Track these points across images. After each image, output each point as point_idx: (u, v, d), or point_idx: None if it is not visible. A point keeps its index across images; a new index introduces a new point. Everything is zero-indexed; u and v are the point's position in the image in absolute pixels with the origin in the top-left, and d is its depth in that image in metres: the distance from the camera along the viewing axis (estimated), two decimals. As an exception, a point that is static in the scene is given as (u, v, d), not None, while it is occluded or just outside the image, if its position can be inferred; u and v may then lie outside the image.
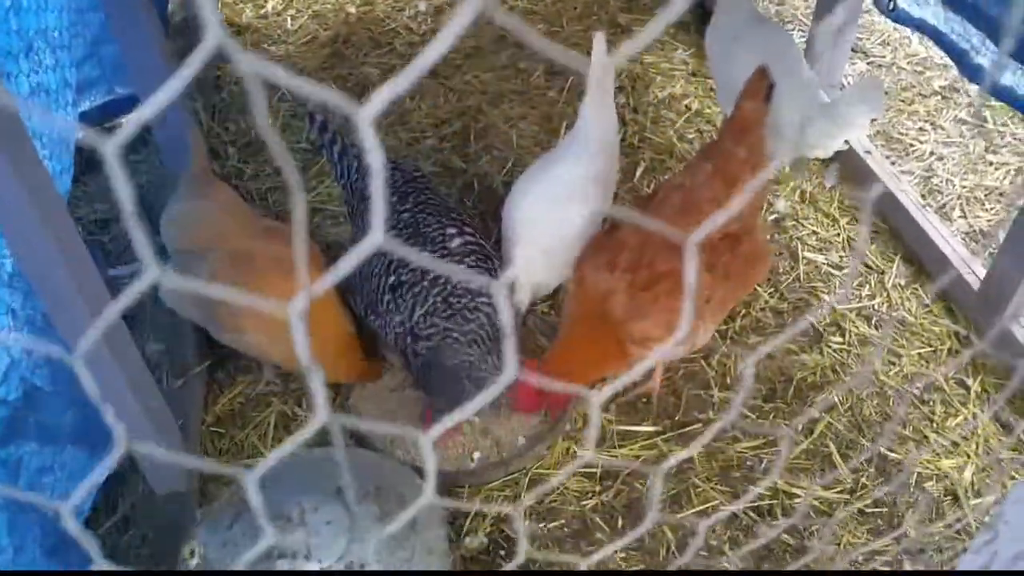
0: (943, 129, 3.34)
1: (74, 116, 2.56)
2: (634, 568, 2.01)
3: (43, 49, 2.11)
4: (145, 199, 2.79)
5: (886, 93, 3.51)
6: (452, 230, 2.20)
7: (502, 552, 2.07)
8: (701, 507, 2.12)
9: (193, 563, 1.31)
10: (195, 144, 2.35)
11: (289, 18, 3.61)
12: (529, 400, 2.14)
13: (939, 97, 3.49)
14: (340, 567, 1.29)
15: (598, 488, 2.18)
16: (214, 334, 2.13)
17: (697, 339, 2.14)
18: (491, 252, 2.25)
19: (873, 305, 2.66)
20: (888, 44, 3.80)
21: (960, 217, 3.01)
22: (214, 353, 2.31)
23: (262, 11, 3.64)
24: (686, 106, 3.38)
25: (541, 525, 2.12)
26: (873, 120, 2.56)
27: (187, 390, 2.16)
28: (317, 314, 2.05)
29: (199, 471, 2.05)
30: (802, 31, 3.89)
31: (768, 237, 2.83)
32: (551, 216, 2.37)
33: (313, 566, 1.27)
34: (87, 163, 2.82)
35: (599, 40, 2.33)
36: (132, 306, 1.76)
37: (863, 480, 2.20)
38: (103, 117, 2.99)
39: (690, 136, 3.23)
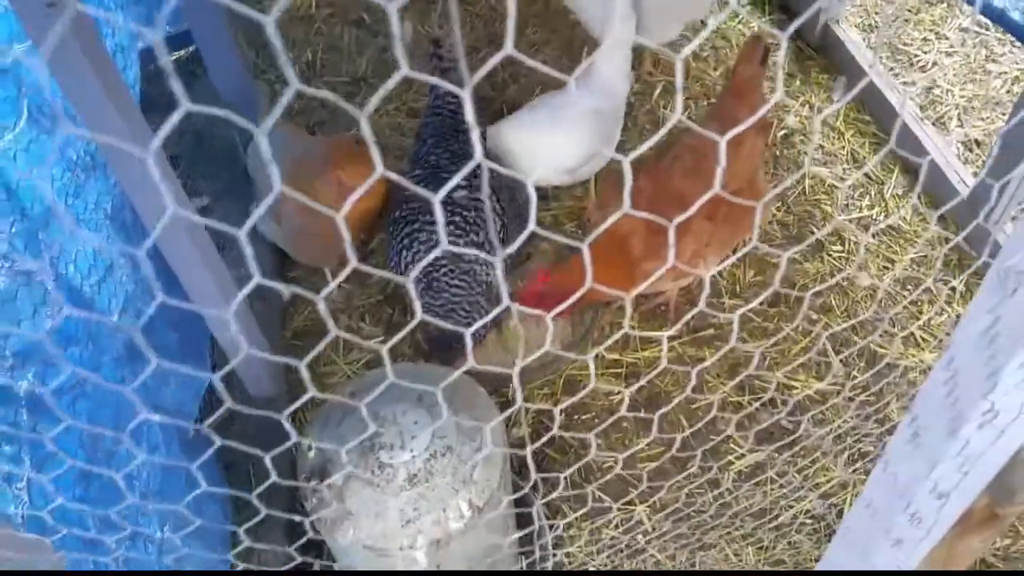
0: (947, 38, 3.49)
1: (137, 60, 2.80)
2: (656, 452, 2.38)
3: (117, 13, 2.34)
4: (202, 133, 3.05)
5: (892, 2, 3.65)
6: (461, 192, 2.37)
7: (542, 441, 2.44)
8: (713, 397, 2.47)
9: (311, 454, 1.67)
10: (264, 95, 2.66)
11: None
12: (530, 301, 2.34)
13: (944, 5, 3.62)
14: (427, 455, 1.64)
15: (624, 386, 2.52)
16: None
17: (702, 271, 2.43)
18: (490, 215, 2.41)
19: (872, 215, 2.92)
20: (899, -50, 3.88)
21: (957, 126, 3.21)
22: (287, 278, 2.64)
23: (290, -60, 3.77)
24: (701, 22, 3.53)
25: (575, 416, 2.48)
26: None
27: (267, 310, 2.49)
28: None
29: (285, 377, 2.42)
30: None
31: (774, 158, 3.07)
32: (545, 140, 2.63)
33: (406, 454, 1.63)
34: (146, 105, 3.07)
35: None
36: (218, 239, 2.09)
37: (854, 372, 2.53)
38: (157, 55, 3.21)
39: (704, 55, 3.40)
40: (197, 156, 2.96)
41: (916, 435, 0.86)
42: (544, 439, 2.34)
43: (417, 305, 0.79)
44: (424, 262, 2.26)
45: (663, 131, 0.80)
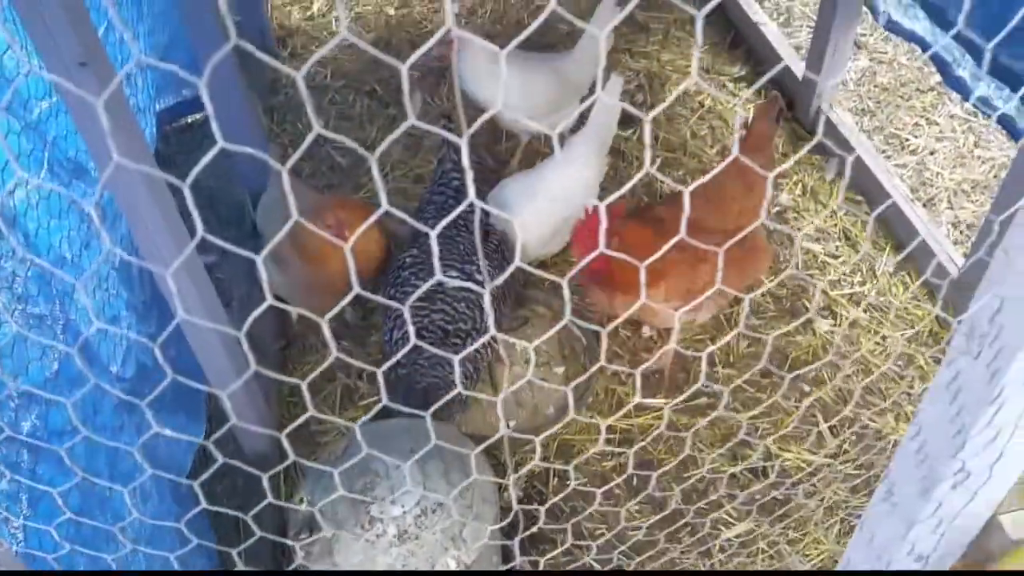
0: (937, 124, 3.61)
1: (155, 121, 2.90)
2: (647, 522, 2.37)
3: (137, 75, 2.45)
4: (211, 191, 3.14)
5: (886, 90, 3.79)
6: (454, 272, 2.46)
7: (534, 503, 2.44)
8: (706, 467, 2.48)
9: (303, 507, 1.68)
10: (276, 155, 2.79)
11: (334, 20, 3.91)
12: (585, 238, 2.36)
13: (935, 92, 3.76)
14: (417, 511, 1.66)
15: (616, 451, 2.53)
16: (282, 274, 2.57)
17: (699, 315, 2.50)
18: (480, 311, 2.47)
19: (863, 291, 2.98)
20: (890, 40, 4.04)
21: (947, 208, 3.30)
22: (286, 335, 2.68)
23: (308, 13, 3.94)
24: (699, 103, 3.66)
25: (568, 482, 2.48)
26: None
27: (266, 366, 2.52)
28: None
29: (277, 434, 2.43)
30: (809, 26, 4.14)
31: (768, 233, 3.14)
32: (534, 212, 2.72)
33: (397, 509, 1.64)
34: (161, 162, 3.17)
35: (615, 84, 2.66)
36: (224, 296, 2.16)
37: (845, 446, 2.55)
38: (172, 117, 3.33)
39: (703, 133, 3.52)
40: (206, 214, 3.04)
41: (890, 493, 0.89)
42: (554, 495, 2.34)
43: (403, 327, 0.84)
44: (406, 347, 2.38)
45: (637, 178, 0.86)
